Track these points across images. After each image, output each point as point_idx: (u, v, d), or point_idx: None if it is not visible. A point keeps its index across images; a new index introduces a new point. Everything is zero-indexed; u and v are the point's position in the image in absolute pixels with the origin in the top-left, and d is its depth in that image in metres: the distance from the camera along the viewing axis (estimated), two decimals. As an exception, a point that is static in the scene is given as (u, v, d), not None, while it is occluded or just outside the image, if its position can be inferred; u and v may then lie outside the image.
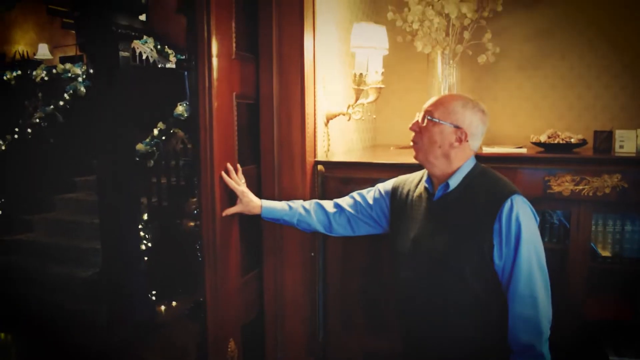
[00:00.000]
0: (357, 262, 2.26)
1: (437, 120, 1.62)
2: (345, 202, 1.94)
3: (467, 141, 1.65)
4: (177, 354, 4.17)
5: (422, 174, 1.82)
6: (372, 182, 1.73)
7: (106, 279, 4.68)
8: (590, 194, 2.55)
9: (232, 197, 1.94)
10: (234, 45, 1.93)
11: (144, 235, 4.96)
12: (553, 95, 3.05)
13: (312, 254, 2.19)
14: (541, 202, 2.63)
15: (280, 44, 2.07)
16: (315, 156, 2.21)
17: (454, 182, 1.65)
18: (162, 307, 5.04)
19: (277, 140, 2.12)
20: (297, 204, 1.95)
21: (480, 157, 2.55)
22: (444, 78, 2.88)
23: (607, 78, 2.94)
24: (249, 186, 2.06)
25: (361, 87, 2.23)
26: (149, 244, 4.98)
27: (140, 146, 5.01)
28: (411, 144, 1.69)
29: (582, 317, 2.65)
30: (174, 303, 5.14)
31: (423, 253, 1.65)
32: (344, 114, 2.35)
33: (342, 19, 2.59)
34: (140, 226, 4.89)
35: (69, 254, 5.23)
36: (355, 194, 1.94)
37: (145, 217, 5.02)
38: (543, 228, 2.73)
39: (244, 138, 2.06)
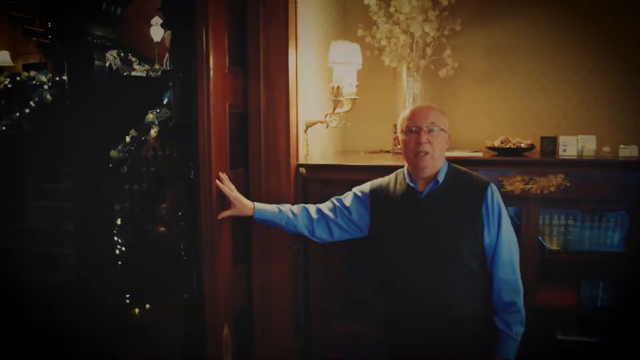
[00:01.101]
0: (337, 256, 2.51)
1: (443, 129, 1.93)
2: (325, 206, 2.19)
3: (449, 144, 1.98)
4: (157, 354, 4.30)
5: (394, 176, 2.09)
6: (349, 183, 1.98)
7: (82, 284, 4.76)
8: (538, 192, 2.88)
9: (223, 196, 2.16)
10: (227, 59, 2.16)
11: (118, 240, 5.07)
12: (505, 106, 3.39)
13: (295, 247, 2.43)
14: (496, 200, 2.95)
15: (267, 59, 2.32)
16: (297, 160, 2.45)
17: (440, 178, 1.94)
18: (137, 310, 5.15)
19: (264, 146, 2.36)
20: (286, 208, 2.18)
21: (442, 161, 2.86)
22: (409, 89, 3.18)
23: (552, 91, 3.30)
24: (238, 187, 2.30)
25: (338, 98, 2.49)
26: (123, 249, 5.09)
27: (113, 153, 5.13)
28: (422, 153, 1.89)
29: (534, 303, 2.97)
30: (147, 305, 5.26)
31: (422, 245, 1.91)
32: (322, 122, 2.61)
33: (317, 37, 2.85)
34: (114, 231, 4.99)
35: (42, 260, 5.28)
36: (334, 199, 2.19)
37: (118, 222, 5.12)
38: (498, 224, 3.04)
39: (234, 144, 2.28)
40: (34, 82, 7.05)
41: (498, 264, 1.92)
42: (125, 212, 5.52)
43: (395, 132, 3.18)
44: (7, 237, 5.82)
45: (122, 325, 4.80)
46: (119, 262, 4.98)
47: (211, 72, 2.01)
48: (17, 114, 6.61)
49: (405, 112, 1.99)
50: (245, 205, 2.16)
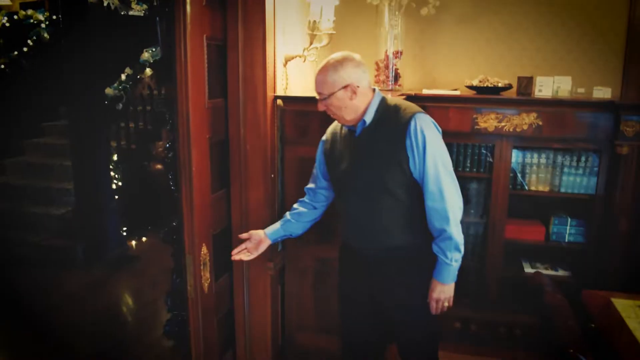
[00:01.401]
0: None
1: (328, 94, 1.99)
2: (310, 181, 2.34)
3: (358, 87, 2.00)
4: (150, 282, 4.54)
5: None
6: (324, 115, 2.09)
7: (79, 217, 4.97)
8: (511, 130, 3.00)
9: (202, 124, 2.29)
10: (204, -7, 2.24)
11: (114, 176, 5.24)
12: (487, 47, 3.44)
13: (272, 175, 2.57)
14: (469, 137, 3.08)
15: (245, -7, 2.40)
16: (275, 92, 2.56)
17: (368, 118, 2.04)
18: (133, 243, 5.38)
19: (242, 77, 2.46)
20: (287, 218, 2.31)
21: (418, 97, 2.98)
22: (391, 28, 3.23)
23: (533, 33, 3.33)
24: (217, 116, 2.42)
25: (315, 33, 2.57)
26: (119, 184, 5.27)
27: (109, 90, 5.22)
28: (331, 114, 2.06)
29: (503, 236, 3.14)
30: (144, 239, 5.49)
31: (356, 179, 2.05)
32: (300, 56, 2.70)
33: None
34: (110, 167, 5.15)
35: (41, 194, 5.46)
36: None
37: (115, 158, 5.28)
38: (472, 160, 3.17)
39: (213, 75, 2.38)
40: (32, 20, 7.05)
41: (426, 192, 1.99)
42: (122, 149, 5.67)
43: (377, 69, 3.26)
44: (9, 173, 6.00)
45: (119, 256, 5.04)
46: (116, 197, 5.15)
47: (187, 5, 2.09)
48: (15, 52, 6.64)
49: None
50: (258, 233, 2.29)
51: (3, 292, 4.41)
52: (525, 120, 2.97)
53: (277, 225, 2.32)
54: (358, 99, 2.00)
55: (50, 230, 5.13)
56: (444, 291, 2.07)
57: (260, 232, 2.30)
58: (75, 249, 4.85)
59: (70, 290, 4.33)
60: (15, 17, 7.19)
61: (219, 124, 2.49)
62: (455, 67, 3.50)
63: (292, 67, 2.76)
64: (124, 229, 5.31)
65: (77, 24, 4.69)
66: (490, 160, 3.11)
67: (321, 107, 2.04)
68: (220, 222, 2.56)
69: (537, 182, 3.17)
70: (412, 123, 1.95)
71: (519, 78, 3.12)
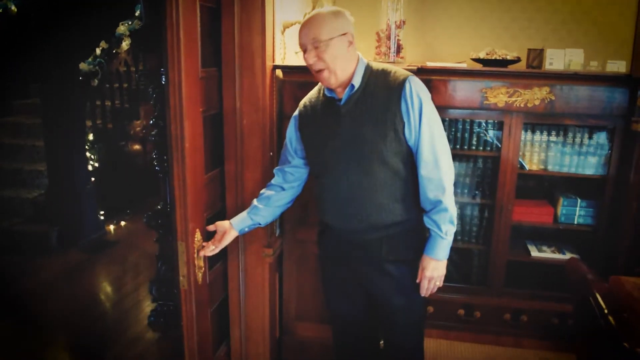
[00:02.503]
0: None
1: (326, 39, 1.77)
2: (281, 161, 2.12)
3: (353, 43, 1.83)
4: (131, 269, 4.30)
5: (317, 90, 2.01)
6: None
7: (53, 200, 4.67)
8: (522, 105, 2.81)
9: (196, 95, 2.04)
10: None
11: (90, 157, 4.95)
12: (491, 17, 3.24)
13: (271, 153, 2.35)
14: (478, 113, 2.88)
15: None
16: (273, 61, 2.32)
17: (357, 82, 1.84)
18: (112, 227, 5.10)
19: (238, 44, 2.21)
20: (254, 204, 2.09)
21: (423, 70, 2.76)
22: (393, -2, 3.00)
23: (541, 3, 3.15)
24: (211, 86, 2.19)
25: (317, -4, 2.34)
26: (96, 165, 4.98)
27: (83, 65, 4.90)
28: (317, 71, 1.80)
29: (510, 218, 2.98)
30: (123, 223, 5.22)
31: (347, 152, 1.84)
32: (299, 23, 2.45)
33: None
34: (86, 147, 4.86)
35: (12, 177, 5.14)
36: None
37: (90, 137, 4.98)
38: (479, 138, 3.00)
39: (206, 41, 2.13)
40: (-3, -8, 6.63)
41: (420, 160, 1.83)
42: (98, 128, 5.36)
43: (378, 40, 3.04)
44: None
45: (96, 242, 4.77)
46: (92, 179, 4.86)
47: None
48: (-20, 26, 6.21)
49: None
50: (223, 224, 2.09)
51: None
52: (537, 95, 2.79)
53: (243, 214, 2.10)
54: (351, 53, 1.83)
55: (22, 214, 4.82)
56: (437, 268, 1.90)
57: (225, 222, 2.10)
58: (48, 234, 4.56)
59: (44, 278, 4.06)
60: (-21, -12, 6.75)
61: (212, 96, 2.24)
62: (459, 39, 3.30)
63: (289, 36, 2.52)
64: (102, 212, 5.02)
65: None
66: (492, 138, 2.94)
67: (311, 59, 1.79)
68: (213, 205, 2.33)
69: (546, 161, 3.01)
70: (407, 85, 1.79)
71: (529, 50, 2.93)
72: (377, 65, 1.89)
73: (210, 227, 2.10)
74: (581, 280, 1.82)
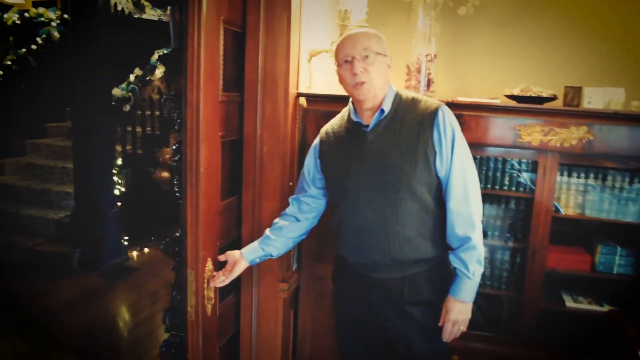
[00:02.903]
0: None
1: (380, 52, 1.71)
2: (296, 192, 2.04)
3: (390, 68, 1.77)
4: (149, 297, 4.23)
5: (340, 117, 1.92)
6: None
7: (77, 222, 4.67)
8: (558, 144, 2.66)
9: (214, 119, 1.98)
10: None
11: (117, 181, 4.96)
12: (525, 53, 3.14)
13: (291, 183, 2.26)
14: (511, 152, 2.75)
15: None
16: (297, 88, 2.25)
17: (387, 107, 1.75)
18: (134, 253, 5.07)
19: (262, 69, 2.15)
20: (266, 234, 1.99)
21: (455, 105, 2.65)
22: (425, 28, 2.94)
23: (577, 40, 3.04)
24: (232, 112, 2.13)
25: (345, 24, 2.28)
26: (122, 189, 4.99)
27: (116, 91, 4.97)
28: (359, 83, 1.70)
29: (544, 265, 2.80)
30: (146, 250, 5.18)
31: (372, 180, 1.73)
32: (327, 51, 2.40)
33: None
34: (114, 171, 4.88)
35: (40, 197, 5.19)
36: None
37: (119, 162, 5.00)
38: (511, 178, 2.85)
39: (229, 65, 2.09)
40: (43, 19, 6.88)
41: (451, 193, 1.73)
42: (127, 154, 5.40)
43: (408, 73, 2.96)
44: (8, 173, 5.74)
45: (117, 267, 4.74)
46: (118, 203, 4.86)
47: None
48: (24, 50, 6.43)
49: (337, 42, 1.79)
50: (233, 254, 1.98)
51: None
52: (574, 135, 2.64)
53: (255, 243, 1.99)
54: (387, 78, 1.77)
55: (46, 235, 4.84)
56: (462, 311, 1.77)
57: (236, 252, 1.98)
58: (71, 255, 4.55)
59: (62, 299, 4.02)
60: (27, 14, 7.02)
61: (233, 122, 2.18)
62: (491, 75, 3.20)
63: (315, 65, 2.46)
64: (125, 238, 5.00)
65: (86, 24, 4.47)
66: (525, 179, 2.79)
67: (358, 68, 1.68)
68: (228, 233, 2.25)
69: (583, 205, 2.84)
70: (440, 114, 1.72)
71: (566, 88, 2.81)
72: (407, 93, 1.82)
73: (221, 257, 2.00)
74: (622, 335, 1.65)
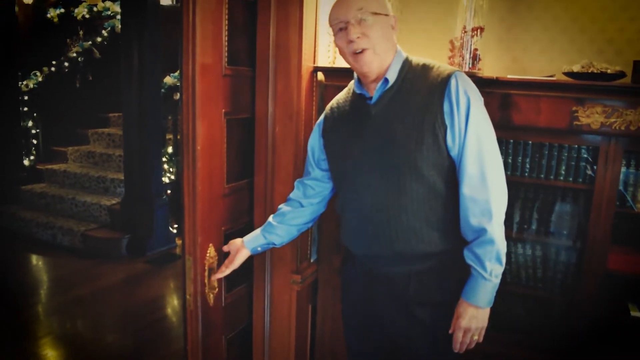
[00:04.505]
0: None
1: (378, 12, 1.46)
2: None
3: (395, 29, 1.53)
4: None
5: (346, 90, 1.70)
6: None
7: (127, 209, 4.72)
8: (623, 127, 2.31)
9: (216, 93, 1.83)
10: None
11: (168, 169, 4.97)
12: (592, 28, 2.76)
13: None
14: (565, 136, 2.42)
15: None
16: (314, 62, 2.06)
17: (391, 76, 1.51)
18: (180, 240, 5.06)
19: (273, 41, 1.98)
20: (268, 221, 1.80)
21: (501, 82, 2.36)
22: (471, 2, 2.64)
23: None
24: (244, 88, 1.99)
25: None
26: (172, 177, 4.99)
27: (168, 79, 4.97)
28: (359, 51, 1.47)
29: (605, 267, 2.44)
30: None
31: (374, 160, 1.51)
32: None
33: None
34: (164, 159, 4.89)
35: (97, 184, 5.32)
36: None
37: (169, 150, 5.01)
38: (568, 166, 2.51)
39: (240, 37, 1.94)
40: (109, 12, 7.08)
41: (463, 175, 1.46)
42: (179, 142, 5.41)
43: (452, 49, 2.68)
44: (71, 161, 5.94)
45: (164, 254, 4.75)
46: (168, 191, 4.87)
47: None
48: (89, 42, 6.64)
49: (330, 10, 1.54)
50: (235, 242, 1.80)
51: (40, 279, 4.27)
52: (642, 117, 2.28)
53: (257, 231, 1.80)
54: (393, 41, 1.53)
55: (99, 220, 4.93)
56: (476, 317, 1.48)
57: (237, 240, 1.80)
58: (119, 241, 4.60)
59: (105, 284, 4.07)
60: (95, 8, 7.25)
61: (244, 99, 2.03)
62: (551, 53, 2.84)
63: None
64: (175, 226, 5.01)
65: (131, 15, 4.51)
66: (589, 168, 2.44)
67: (353, 34, 1.45)
68: (238, 218, 2.09)
69: (652, 200, 2.46)
70: (453, 81, 1.45)
71: (636, 62, 2.42)
72: (418, 59, 1.56)
73: (225, 248, 1.83)
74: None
